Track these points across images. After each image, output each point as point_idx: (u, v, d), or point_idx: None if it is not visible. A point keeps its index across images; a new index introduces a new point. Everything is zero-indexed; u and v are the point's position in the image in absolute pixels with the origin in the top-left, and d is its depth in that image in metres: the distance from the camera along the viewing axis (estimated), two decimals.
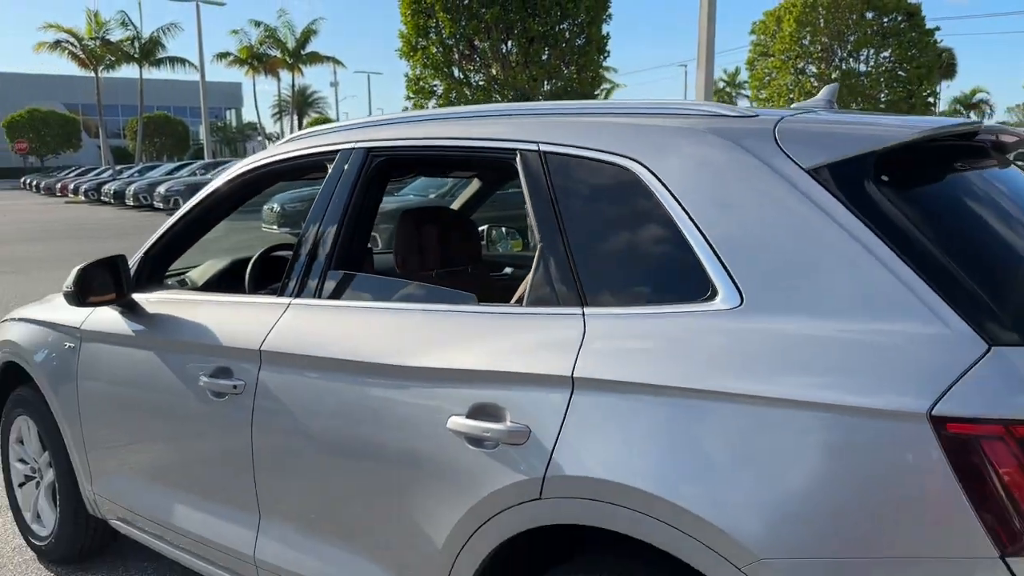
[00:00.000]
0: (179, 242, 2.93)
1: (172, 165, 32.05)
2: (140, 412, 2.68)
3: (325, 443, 2.04)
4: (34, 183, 44.03)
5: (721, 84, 66.14)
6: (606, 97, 11.85)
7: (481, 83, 10.98)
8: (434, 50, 10.64)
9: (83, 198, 32.29)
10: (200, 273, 3.17)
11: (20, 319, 3.34)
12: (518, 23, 10.33)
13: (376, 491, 1.92)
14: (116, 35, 36.92)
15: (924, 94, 14.38)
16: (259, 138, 66.85)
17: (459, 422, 1.72)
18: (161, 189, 23.14)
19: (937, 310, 1.31)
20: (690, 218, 1.59)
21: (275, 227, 15.54)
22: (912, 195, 1.53)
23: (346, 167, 2.33)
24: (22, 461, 3.44)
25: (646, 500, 1.43)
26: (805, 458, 1.33)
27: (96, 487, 2.92)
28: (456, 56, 10.75)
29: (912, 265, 1.36)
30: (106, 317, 2.81)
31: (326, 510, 2.08)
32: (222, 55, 42.85)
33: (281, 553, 2.21)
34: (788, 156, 1.55)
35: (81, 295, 2.66)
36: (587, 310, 1.67)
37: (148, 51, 37.69)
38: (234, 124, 71.49)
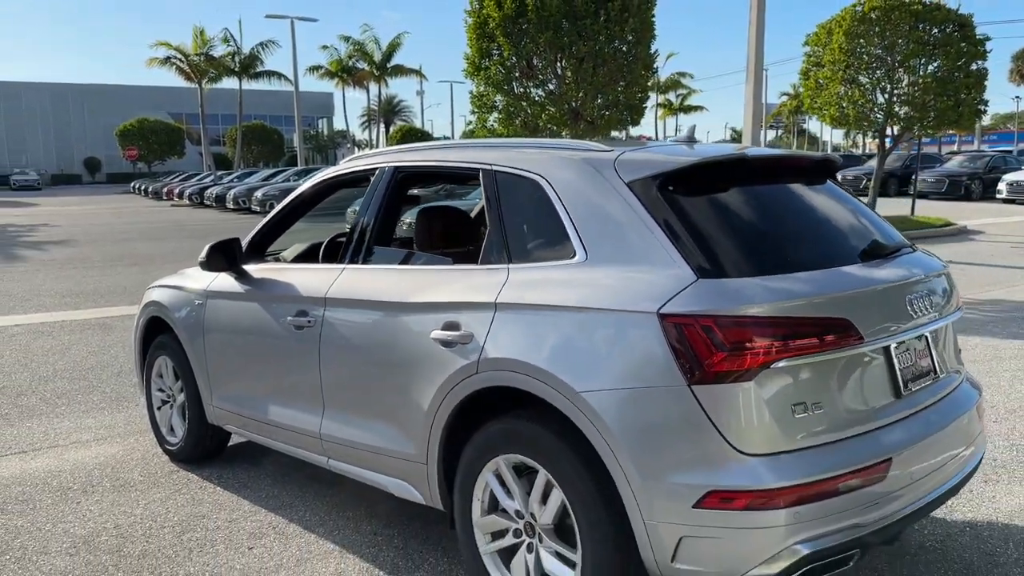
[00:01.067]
0: (274, 231, 4.25)
1: (268, 171, 34.34)
2: (247, 345, 3.98)
3: (363, 353, 3.29)
4: (142, 187, 47.52)
5: (790, 90, 65.49)
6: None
7: (538, 99, 12.18)
8: (495, 70, 11.91)
9: (187, 201, 35.00)
10: (288, 252, 4.47)
11: (162, 286, 4.72)
12: (569, 45, 11.50)
13: (390, 379, 3.14)
14: (219, 51, 39.89)
15: (974, 102, 14.74)
16: (348, 145, 69.76)
17: (437, 334, 2.93)
18: (258, 194, 25.22)
19: (676, 261, 2.45)
20: (566, 210, 2.75)
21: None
22: (677, 196, 2.66)
23: (382, 179, 3.57)
24: (160, 390, 4.80)
25: (528, 367, 2.61)
26: (603, 338, 2.49)
27: (216, 401, 4.24)
28: (515, 74, 11.98)
29: (671, 237, 2.49)
30: (224, 282, 4.13)
31: (362, 395, 3.31)
32: (314, 68, 45.51)
33: (336, 428, 3.45)
34: (618, 175, 2.70)
35: (208, 265, 3.98)
36: (510, 266, 2.85)
37: (247, 65, 40.54)
38: (325, 132, 74.79)
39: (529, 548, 2.77)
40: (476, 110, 12.41)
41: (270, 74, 42.06)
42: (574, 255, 2.73)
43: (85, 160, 74.74)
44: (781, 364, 2.32)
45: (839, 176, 3.71)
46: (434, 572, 3.28)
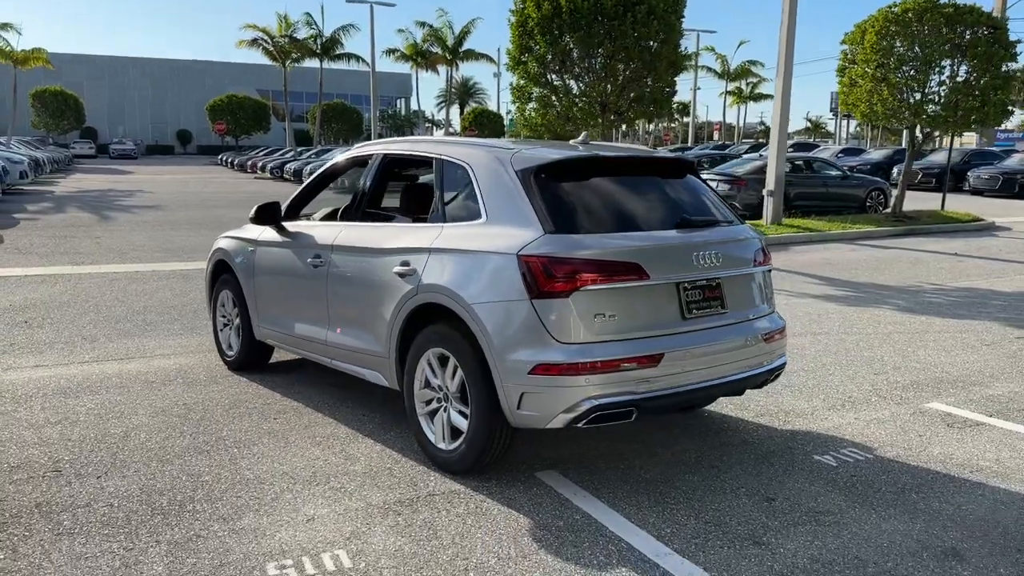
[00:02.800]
0: (307, 197, 5.75)
1: (343, 149, 36.38)
2: (282, 280, 5.52)
3: (353, 283, 4.77)
4: (229, 160, 50.48)
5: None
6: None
7: (570, 92, 13.48)
8: (532, 65, 13.25)
9: (268, 175, 37.43)
10: (317, 214, 5.98)
11: (227, 236, 6.30)
12: (598, 44, 12.75)
13: (369, 301, 4.61)
14: (302, 33, 42.19)
15: (1001, 102, 15.27)
16: (426, 125, 71.80)
17: (397, 268, 4.39)
18: (292, 167, 27.06)
19: (534, 223, 3.86)
20: (479, 188, 4.16)
21: None
22: (543, 182, 4.04)
23: (375, 162, 5.03)
24: (223, 316, 6.40)
25: (444, 289, 4.06)
26: (487, 270, 3.92)
27: (261, 322, 5.79)
28: (550, 69, 13.30)
29: (534, 208, 3.89)
30: (269, 234, 5.66)
31: (352, 313, 4.79)
32: (390, 51, 47.52)
33: (336, 337, 4.95)
34: (512, 166, 4.08)
35: (256, 220, 5.52)
36: (444, 224, 4.27)
37: (327, 48, 42.81)
38: (403, 112, 77.07)
39: (444, 409, 4.22)
40: (516, 101, 13.79)
41: (349, 56, 44.32)
42: (480, 217, 4.13)
43: (178, 132, 79.07)
44: (588, 288, 3.69)
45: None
46: (398, 435, 4.76)
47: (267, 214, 5.60)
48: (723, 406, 5.35)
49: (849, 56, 16.96)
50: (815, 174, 19.43)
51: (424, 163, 4.88)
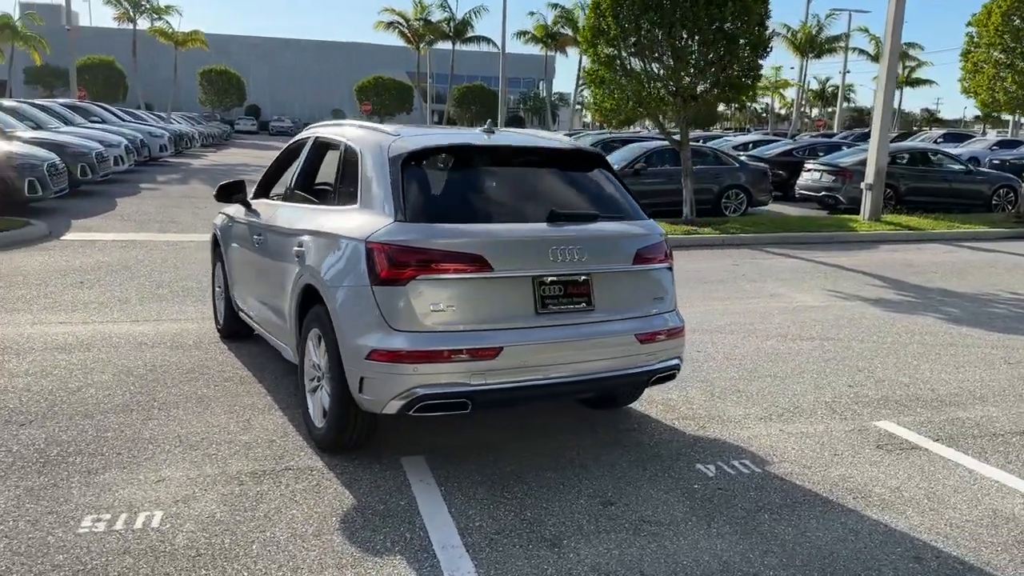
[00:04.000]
0: (272, 177, 6.02)
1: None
2: (241, 254, 5.83)
3: (273, 261, 4.99)
4: None
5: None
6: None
7: (643, 75, 13.16)
8: (604, 48, 13.03)
9: None
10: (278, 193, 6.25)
11: (220, 212, 6.69)
12: (670, 27, 12.35)
13: (280, 279, 4.84)
14: (436, 16, 43.20)
15: None
16: (566, 107, 71.74)
17: (295, 249, 4.55)
18: None
19: (388, 211, 3.90)
20: (361, 173, 4.24)
21: None
22: (408, 169, 4.06)
23: (307, 145, 5.22)
24: (217, 287, 6.81)
25: (314, 270, 4.19)
26: (344, 254, 4.00)
27: (235, 292, 6.14)
28: (623, 52, 13.03)
29: (393, 195, 3.92)
30: (239, 211, 5.98)
31: (271, 288, 5.01)
32: (521, 33, 47.79)
33: (264, 311, 5.14)
34: (388, 153, 4.13)
35: (219, 197, 5.83)
36: (332, 207, 4.40)
37: (459, 30, 43.59)
38: (543, 94, 77.34)
39: (320, 388, 4.36)
40: (589, 84, 13.61)
41: (479, 39, 44.98)
42: (356, 202, 4.22)
43: (332, 111, 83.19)
44: (425, 278, 3.70)
45: None
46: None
47: (228, 192, 5.91)
48: (646, 405, 5.18)
49: (974, 40, 15.48)
50: (933, 167, 17.91)
51: (335, 145, 5.00)
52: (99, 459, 4.14)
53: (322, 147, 5.38)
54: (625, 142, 18.98)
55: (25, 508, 3.58)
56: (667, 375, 4.35)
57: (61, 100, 25.87)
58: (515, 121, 66.12)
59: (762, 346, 6.84)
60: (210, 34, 55.94)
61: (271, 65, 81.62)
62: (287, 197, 5.37)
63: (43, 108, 20.80)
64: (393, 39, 50.86)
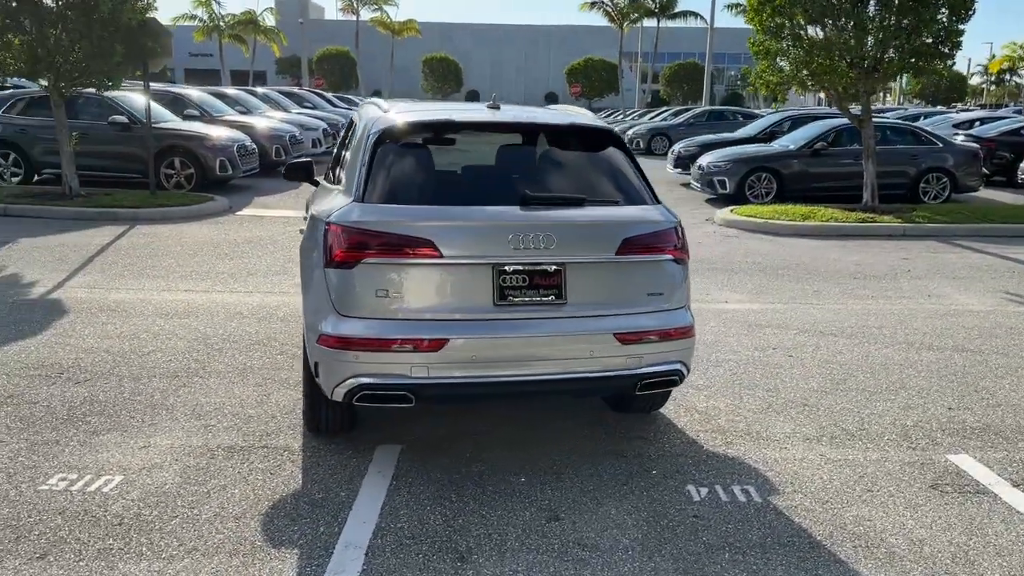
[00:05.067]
0: (338, 156, 6.08)
1: (673, 110, 35.86)
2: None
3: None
4: None
5: None
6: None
7: (815, 44, 11.94)
8: (772, 17, 11.96)
9: None
10: None
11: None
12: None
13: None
14: None
15: None
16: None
17: (301, 229, 4.53)
18: (629, 132, 27.11)
19: (355, 190, 3.75)
20: (352, 149, 4.13)
21: (670, 167, 18.04)
22: (385, 147, 3.85)
23: (346, 127, 5.18)
24: None
25: (301, 249, 4.10)
26: (316, 235, 3.89)
27: None
28: (793, 21, 11.89)
29: (365, 173, 3.78)
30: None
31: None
32: (731, 6, 45.27)
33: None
34: (369, 130, 3.98)
35: (287, 176, 5.99)
36: (333, 186, 4.33)
37: (664, 6, 42.21)
38: None
39: None
40: (754, 55, 12.57)
41: (686, 14, 43.23)
42: (342, 183, 4.11)
43: (546, 95, 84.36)
44: (371, 261, 3.52)
45: None
46: None
47: (296, 171, 6.04)
48: (681, 411, 4.64)
49: None
50: None
51: (353, 126, 4.88)
52: (111, 421, 4.40)
53: (350, 126, 5.33)
54: (816, 118, 17.41)
55: (16, 461, 3.88)
56: (661, 381, 3.83)
57: (285, 88, 28.35)
58: (733, 99, 63.14)
59: (873, 354, 5.93)
60: (435, 22, 58.90)
61: (491, 51, 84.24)
62: (325, 177, 5.39)
63: (259, 96, 22.90)
64: (599, 19, 50.46)
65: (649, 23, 45.76)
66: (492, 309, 3.58)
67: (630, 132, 27.50)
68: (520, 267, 3.59)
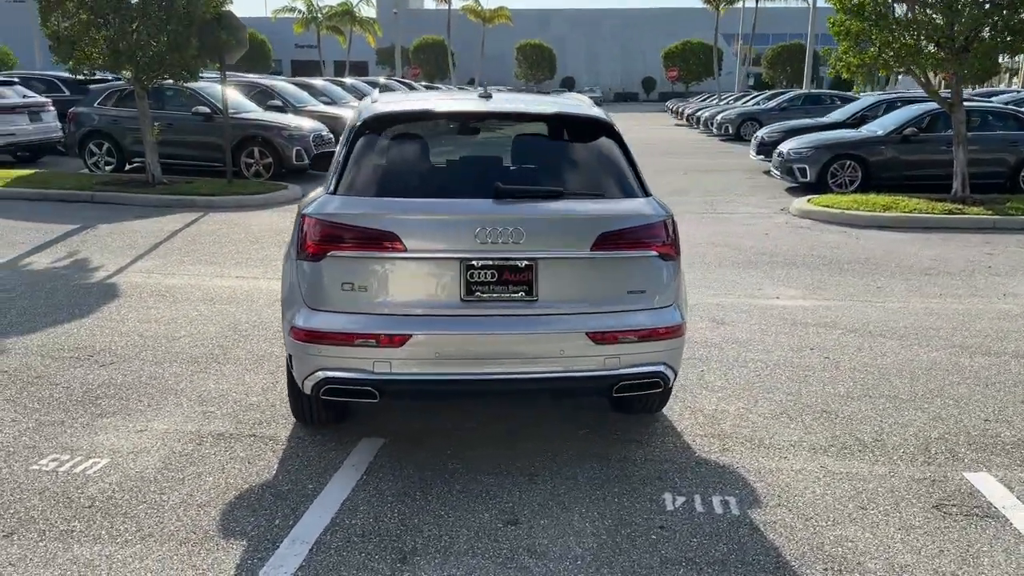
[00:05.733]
0: None
1: (769, 94, 34.60)
2: None
3: None
4: (673, 107, 51.68)
5: None
6: None
7: (900, 23, 11.20)
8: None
9: (684, 122, 37.59)
10: None
11: None
12: None
13: None
14: None
15: None
16: None
17: None
18: (718, 118, 26.29)
19: (331, 182, 3.72)
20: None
21: (753, 153, 17.35)
22: (363, 138, 3.79)
23: None
24: None
25: None
26: (295, 227, 3.86)
27: None
28: (871, 1, 11.20)
29: (342, 164, 3.74)
30: None
31: None
32: None
33: None
34: (353, 123, 3.94)
35: (315, 167, 6.04)
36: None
37: None
38: None
39: None
40: (835, 35, 11.90)
41: None
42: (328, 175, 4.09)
43: (643, 80, 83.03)
44: (337, 254, 3.49)
45: None
46: None
47: (323, 160, 6.10)
48: (687, 414, 4.43)
49: None
50: None
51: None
52: (120, 404, 4.56)
53: None
54: (913, 102, 16.38)
55: (20, 440, 4.07)
56: (641, 383, 3.65)
57: (372, 79, 28.91)
58: (841, 83, 60.32)
59: (919, 358, 5.51)
60: (532, 9, 58.97)
61: (587, 36, 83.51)
62: None
63: (347, 87, 23.43)
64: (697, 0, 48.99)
65: (749, 3, 44.21)
66: (459, 305, 3.49)
67: (719, 117, 26.69)
68: (488, 262, 3.48)
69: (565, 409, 4.53)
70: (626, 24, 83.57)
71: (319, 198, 3.70)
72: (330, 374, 3.51)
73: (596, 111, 4.14)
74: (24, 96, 16.04)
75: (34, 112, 15.82)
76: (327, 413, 4.12)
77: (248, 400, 4.65)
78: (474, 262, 3.47)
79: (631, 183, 3.79)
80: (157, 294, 7.03)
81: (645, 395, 4.05)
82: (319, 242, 3.53)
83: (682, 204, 12.66)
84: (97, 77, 15.87)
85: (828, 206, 11.70)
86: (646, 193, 3.80)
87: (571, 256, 3.54)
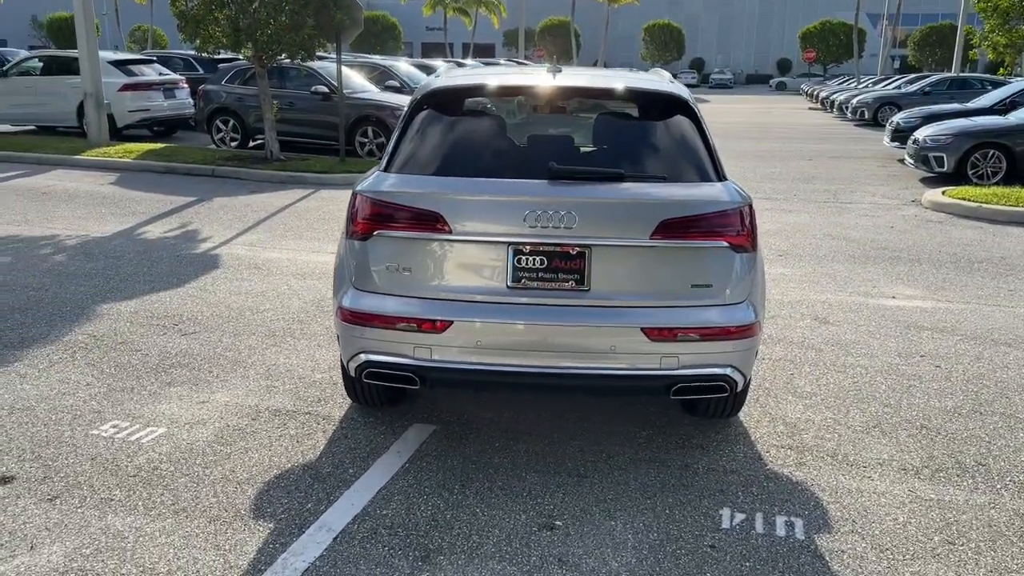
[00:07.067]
0: None
1: (911, 77, 32.24)
2: None
3: None
4: (808, 90, 49.17)
5: None
6: None
7: None
8: None
9: (819, 106, 35.59)
10: None
11: None
12: None
13: None
14: None
15: None
16: None
17: None
18: (853, 101, 24.67)
19: (386, 159, 3.57)
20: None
21: (887, 140, 16.14)
22: (420, 112, 3.62)
23: None
24: None
25: None
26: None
27: None
28: None
29: (397, 140, 3.60)
30: None
31: None
32: None
33: None
34: (412, 99, 3.78)
35: None
36: None
37: None
38: None
39: None
40: (980, 13, 10.83)
41: None
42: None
43: (778, 61, 79.40)
44: (384, 234, 3.35)
45: None
46: None
47: None
48: (766, 420, 4.05)
49: None
50: None
51: None
52: (190, 374, 4.63)
53: None
54: None
55: (88, 404, 4.19)
56: (703, 387, 3.33)
57: (493, 60, 28.94)
58: (996, 68, 55.66)
59: None
60: None
61: (720, 16, 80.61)
62: None
63: (467, 68, 23.51)
64: None
65: None
66: (504, 292, 3.28)
67: (855, 101, 25.09)
68: (537, 247, 3.25)
69: (631, 408, 4.25)
70: (762, 2, 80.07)
71: (373, 176, 3.57)
72: (372, 357, 3.39)
73: (672, 86, 3.80)
74: (160, 73, 16.96)
75: (169, 89, 16.71)
76: (379, 396, 4.02)
77: (312, 377, 4.62)
78: (522, 247, 3.25)
79: (705, 166, 3.45)
80: (253, 267, 7.18)
81: (710, 399, 3.72)
82: (366, 220, 3.41)
83: (803, 192, 11.92)
84: (228, 56, 16.56)
85: (965, 199, 10.68)
86: (721, 178, 3.45)
87: (628, 244, 3.25)
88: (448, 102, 3.70)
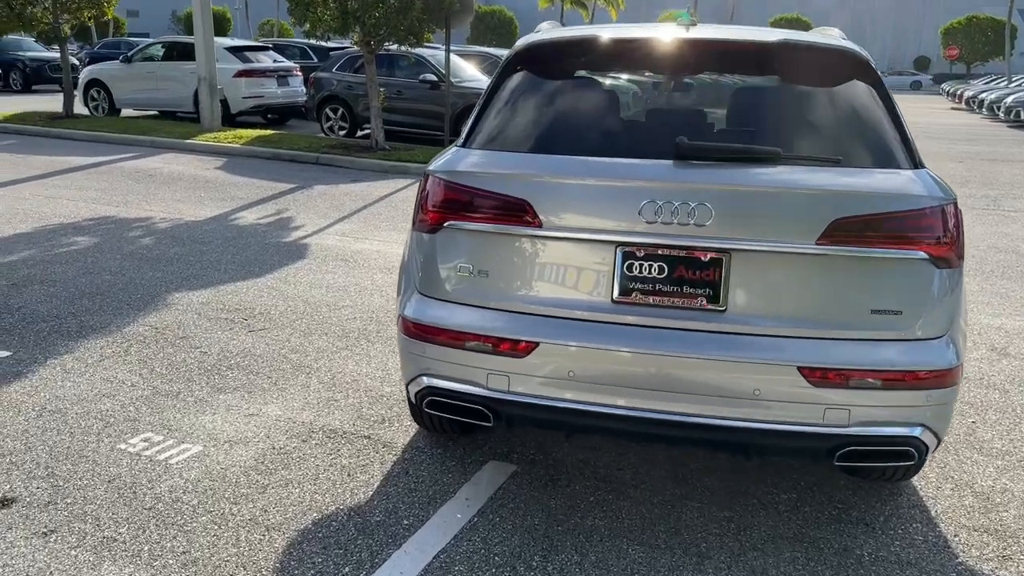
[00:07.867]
0: None
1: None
2: None
3: None
4: (950, 90, 45.57)
5: None
6: None
7: None
8: None
9: (963, 106, 32.69)
10: None
11: None
12: None
13: None
14: None
15: None
16: None
17: None
18: (1008, 100, 22.32)
19: (469, 129, 2.84)
20: None
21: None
22: (522, 74, 2.85)
23: None
24: None
25: None
26: None
27: None
28: None
29: (482, 106, 2.86)
30: None
31: None
32: None
33: None
34: (510, 53, 3.04)
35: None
36: None
37: None
38: None
39: None
40: None
41: None
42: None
43: (915, 59, 74.42)
44: (454, 225, 2.62)
45: None
46: None
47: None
48: (948, 487, 3.08)
49: None
50: None
51: None
52: (245, 379, 4.06)
53: None
54: None
55: (126, 410, 3.65)
56: (881, 452, 2.41)
57: None
58: None
59: None
60: None
61: (853, 10, 76.23)
62: None
63: None
64: None
65: None
66: (609, 308, 2.48)
67: (1009, 100, 22.75)
68: (656, 250, 2.42)
69: (767, 460, 3.36)
70: None
71: (450, 153, 2.83)
72: (435, 383, 2.66)
73: (847, 43, 2.89)
74: (275, 61, 16.94)
75: (282, 77, 16.65)
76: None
77: (381, 390, 3.96)
78: (635, 249, 2.44)
79: (893, 148, 2.53)
80: (340, 258, 6.64)
81: (867, 466, 2.79)
82: (437, 208, 2.67)
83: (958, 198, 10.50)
84: (341, 44, 16.37)
85: None
86: (916, 164, 2.53)
87: (784, 250, 2.38)
88: (548, 61, 2.92)
